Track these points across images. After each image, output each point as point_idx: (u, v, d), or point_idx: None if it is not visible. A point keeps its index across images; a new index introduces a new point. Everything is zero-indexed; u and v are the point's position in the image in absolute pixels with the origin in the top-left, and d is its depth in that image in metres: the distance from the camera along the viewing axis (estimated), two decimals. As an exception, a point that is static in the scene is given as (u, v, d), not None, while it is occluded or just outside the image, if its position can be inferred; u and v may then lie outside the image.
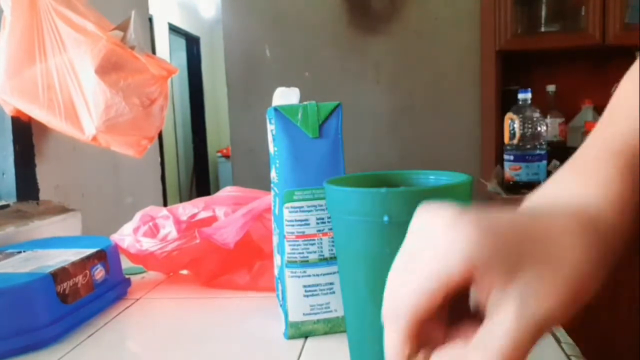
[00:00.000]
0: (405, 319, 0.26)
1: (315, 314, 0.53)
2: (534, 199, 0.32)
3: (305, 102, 0.52)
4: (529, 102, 1.72)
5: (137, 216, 0.73)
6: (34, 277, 0.56)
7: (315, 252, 0.52)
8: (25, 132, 0.93)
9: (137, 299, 0.68)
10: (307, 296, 0.53)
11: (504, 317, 0.24)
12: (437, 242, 0.26)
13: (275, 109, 0.52)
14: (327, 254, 0.52)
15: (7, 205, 0.90)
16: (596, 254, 0.26)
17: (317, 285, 0.53)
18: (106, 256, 0.66)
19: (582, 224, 0.27)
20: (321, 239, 0.52)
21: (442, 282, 0.25)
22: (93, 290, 0.63)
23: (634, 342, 1.68)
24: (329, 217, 0.51)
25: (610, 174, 0.31)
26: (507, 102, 1.95)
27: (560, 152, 1.89)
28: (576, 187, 0.32)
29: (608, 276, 0.27)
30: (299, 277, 0.52)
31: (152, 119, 0.87)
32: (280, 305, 0.56)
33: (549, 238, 0.26)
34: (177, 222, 0.70)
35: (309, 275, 0.52)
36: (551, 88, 2.02)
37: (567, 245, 0.26)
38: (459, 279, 0.25)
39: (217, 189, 0.89)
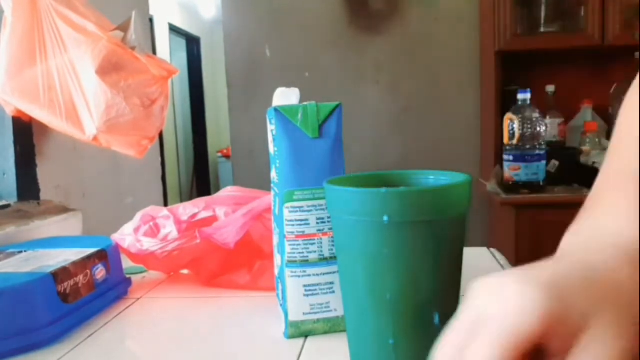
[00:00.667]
0: None
1: (315, 313, 0.53)
2: (571, 242, 0.36)
3: (305, 103, 0.53)
4: (529, 102, 1.72)
5: (138, 216, 0.74)
6: (34, 277, 0.56)
7: (315, 251, 0.52)
8: (26, 133, 0.93)
9: (138, 299, 0.68)
10: (307, 296, 0.53)
11: (592, 356, 0.25)
12: (507, 306, 0.26)
13: (276, 109, 0.52)
14: (327, 254, 0.52)
15: (7, 205, 0.90)
16: None
17: (317, 284, 0.53)
18: (107, 256, 0.67)
19: (633, 263, 0.30)
20: (321, 238, 0.52)
21: (521, 337, 0.26)
22: (94, 290, 0.63)
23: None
24: (329, 217, 0.52)
25: (631, 201, 0.35)
26: (506, 103, 1.96)
27: (560, 152, 1.89)
28: (606, 223, 0.35)
29: None
30: (299, 276, 0.53)
31: (153, 119, 0.87)
32: (280, 305, 0.56)
33: (611, 284, 0.28)
34: (178, 222, 0.71)
35: (309, 275, 0.52)
36: (550, 88, 2.02)
37: (630, 288, 0.28)
38: (539, 333, 0.26)
39: (218, 189, 0.89)
